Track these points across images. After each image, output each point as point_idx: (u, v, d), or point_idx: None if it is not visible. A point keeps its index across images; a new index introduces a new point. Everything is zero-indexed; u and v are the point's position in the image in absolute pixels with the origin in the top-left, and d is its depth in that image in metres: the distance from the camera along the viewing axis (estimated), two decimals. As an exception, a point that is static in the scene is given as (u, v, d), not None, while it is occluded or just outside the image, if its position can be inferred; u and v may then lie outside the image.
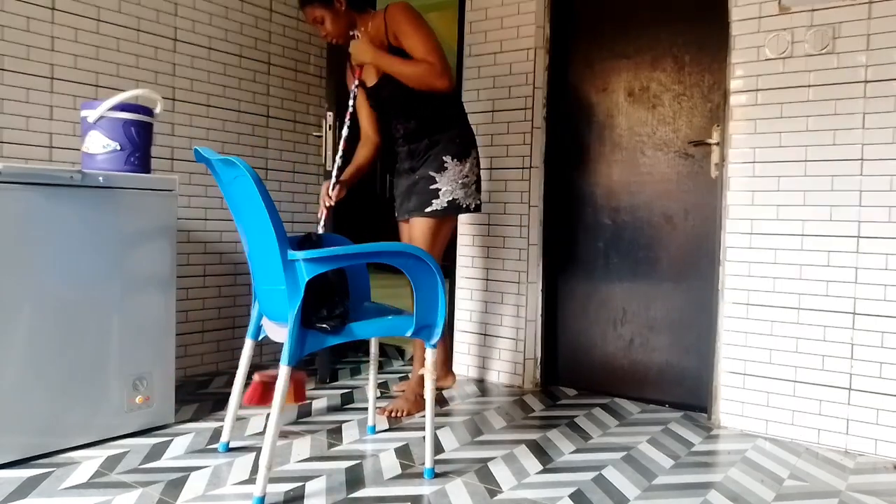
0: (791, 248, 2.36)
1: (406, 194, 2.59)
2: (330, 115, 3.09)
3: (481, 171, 2.66)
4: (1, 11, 2.36)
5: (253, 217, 1.79)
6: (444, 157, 2.49)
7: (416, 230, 2.52)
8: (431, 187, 2.48)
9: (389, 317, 1.97)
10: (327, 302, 1.86)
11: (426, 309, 1.92)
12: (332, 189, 2.48)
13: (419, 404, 2.53)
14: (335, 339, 1.82)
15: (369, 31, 2.49)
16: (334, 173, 2.49)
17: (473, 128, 2.67)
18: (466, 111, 2.68)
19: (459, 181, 2.49)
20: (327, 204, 2.48)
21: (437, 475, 1.94)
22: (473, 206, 2.57)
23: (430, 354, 1.95)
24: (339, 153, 2.49)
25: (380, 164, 2.87)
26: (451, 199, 2.48)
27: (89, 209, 2.07)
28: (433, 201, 2.47)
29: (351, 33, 2.48)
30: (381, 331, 1.94)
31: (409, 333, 1.92)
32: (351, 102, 2.51)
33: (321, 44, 3.52)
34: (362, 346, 3.61)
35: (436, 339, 1.95)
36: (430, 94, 2.42)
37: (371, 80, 2.56)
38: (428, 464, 1.95)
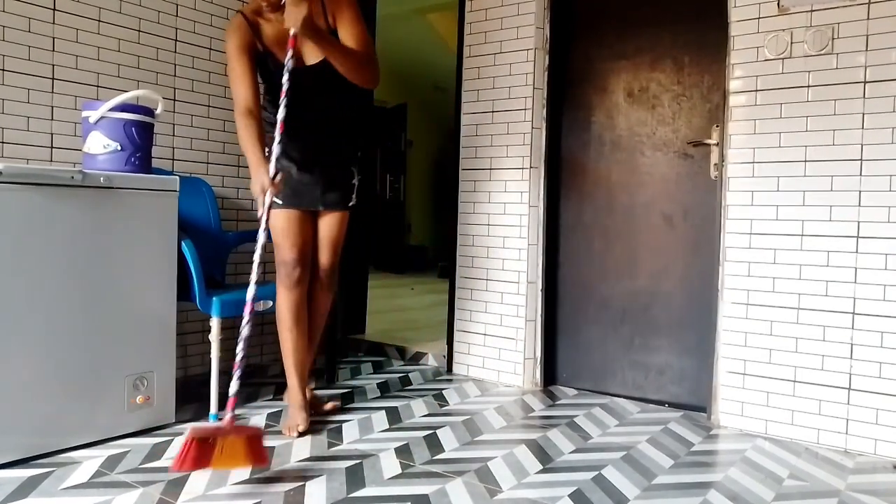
0: (791, 248, 2.36)
1: (324, 185, 2.34)
2: None
3: (480, 171, 2.65)
4: (2, 12, 2.36)
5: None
6: (356, 150, 2.41)
7: (337, 224, 2.40)
8: (352, 182, 2.41)
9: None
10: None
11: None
12: (273, 182, 2.06)
13: (304, 412, 2.32)
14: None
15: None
16: (273, 164, 2.06)
17: (474, 128, 2.68)
18: (467, 111, 2.65)
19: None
20: (270, 200, 2.07)
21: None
22: None
23: (214, 323, 2.36)
24: (278, 139, 2.07)
25: (380, 164, 2.86)
26: (355, 193, 2.44)
27: (90, 209, 2.07)
28: (352, 196, 2.42)
29: None
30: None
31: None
32: (286, 78, 2.09)
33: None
34: (362, 345, 3.63)
35: (206, 309, 2.35)
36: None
37: (312, 58, 2.23)
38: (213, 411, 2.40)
